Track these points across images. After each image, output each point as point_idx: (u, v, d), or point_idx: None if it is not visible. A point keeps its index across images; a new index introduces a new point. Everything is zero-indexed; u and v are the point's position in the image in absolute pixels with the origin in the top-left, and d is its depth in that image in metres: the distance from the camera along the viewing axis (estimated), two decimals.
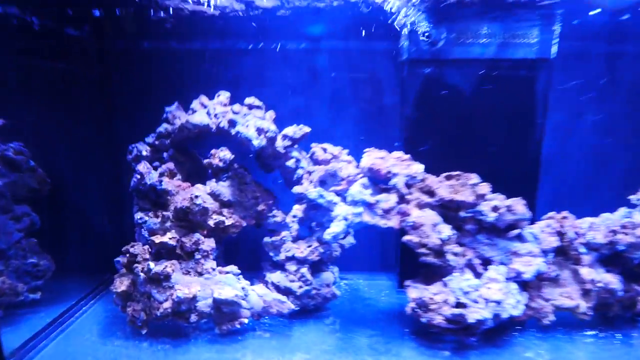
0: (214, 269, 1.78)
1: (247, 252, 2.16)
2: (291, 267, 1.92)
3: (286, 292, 1.90)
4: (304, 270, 1.91)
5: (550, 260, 1.81)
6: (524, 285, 1.79)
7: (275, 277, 1.94)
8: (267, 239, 1.96)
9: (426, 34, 1.89)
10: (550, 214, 1.88)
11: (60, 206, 2.19)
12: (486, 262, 1.79)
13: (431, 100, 2.04)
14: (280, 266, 1.96)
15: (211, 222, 1.82)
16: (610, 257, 1.89)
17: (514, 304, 1.70)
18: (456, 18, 1.92)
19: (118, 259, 1.89)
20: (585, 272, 1.79)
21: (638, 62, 2.22)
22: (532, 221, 1.82)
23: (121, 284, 1.76)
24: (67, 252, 2.22)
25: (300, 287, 1.91)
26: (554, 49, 1.95)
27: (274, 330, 1.85)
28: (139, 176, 1.89)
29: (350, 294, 2.23)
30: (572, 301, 1.78)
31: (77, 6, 2.02)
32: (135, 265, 1.74)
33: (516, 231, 1.78)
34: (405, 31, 1.96)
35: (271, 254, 1.97)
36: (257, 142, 1.80)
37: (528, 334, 1.82)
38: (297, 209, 1.96)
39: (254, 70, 2.22)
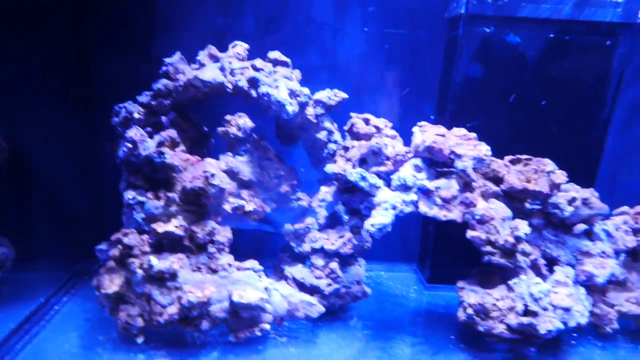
0: (230, 265, 1.43)
1: (247, 239, 1.81)
2: (318, 261, 1.60)
3: (312, 290, 1.59)
4: (334, 265, 1.59)
5: (621, 262, 1.58)
6: (589, 289, 1.56)
7: (298, 272, 1.61)
8: (288, 227, 1.62)
9: None
10: (623, 208, 1.64)
11: (22, 179, 1.74)
12: (551, 262, 1.54)
13: (489, 67, 1.72)
14: (301, 259, 1.64)
15: (228, 207, 1.45)
16: None
17: (583, 311, 1.47)
18: None
19: (102, 247, 1.50)
20: None
21: None
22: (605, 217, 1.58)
23: (112, 283, 1.38)
24: (31, 235, 1.79)
25: (329, 284, 1.59)
26: None
27: (298, 337, 1.54)
28: (130, 145, 1.47)
29: (374, 289, 1.94)
30: (639, 308, 1.58)
31: None
32: (131, 260, 1.36)
33: (585, 226, 1.53)
34: None
35: (292, 244, 1.63)
36: (292, 108, 1.42)
37: (588, 342, 1.61)
38: (326, 192, 1.62)
39: (269, 19, 1.80)
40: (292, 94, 1.46)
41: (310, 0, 1.87)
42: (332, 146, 1.62)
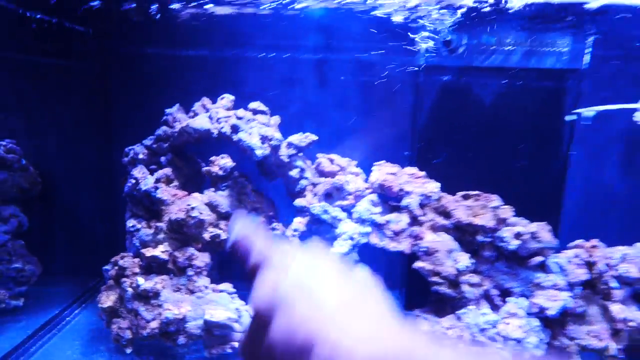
0: (207, 287, 1.64)
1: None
2: None
3: None
4: None
5: (578, 295, 1.63)
6: (546, 321, 1.61)
7: None
8: None
9: (447, 40, 1.74)
10: (578, 241, 1.70)
11: (51, 207, 2.09)
12: (505, 293, 1.63)
13: (448, 110, 1.88)
14: None
15: (207, 235, 1.68)
16: None
17: (536, 343, 1.53)
18: (479, 25, 1.77)
19: (107, 267, 1.77)
20: (617, 310, 1.61)
21: None
22: (557, 250, 1.65)
23: (107, 299, 1.64)
24: (55, 254, 2.11)
25: None
26: (586, 59, 1.78)
27: None
28: (133, 180, 1.77)
29: None
30: (600, 342, 1.60)
31: (79, 2, 1.91)
32: (124, 279, 1.62)
33: (539, 259, 1.61)
34: (421, 35, 1.80)
35: None
36: (261, 151, 1.66)
37: None
38: (299, 222, 1.82)
39: (257, 75, 2.08)
40: (265, 138, 1.70)
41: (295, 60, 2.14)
42: (303, 182, 1.82)
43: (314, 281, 0.42)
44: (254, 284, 0.44)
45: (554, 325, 1.64)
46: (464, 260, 1.48)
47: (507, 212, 1.58)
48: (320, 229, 1.79)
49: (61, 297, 1.97)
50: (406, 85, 2.08)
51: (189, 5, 1.84)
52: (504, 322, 1.53)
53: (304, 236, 1.84)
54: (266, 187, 1.93)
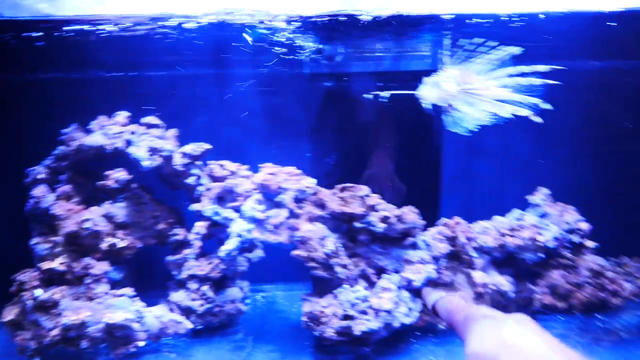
0: (106, 293, 1.75)
1: (162, 273, 2.14)
2: (193, 285, 1.91)
3: (187, 311, 1.89)
4: (205, 288, 1.90)
5: (444, 266, 1.85)
6: (418, 292, 1.82)
7: (178, 296, 1.92)
8: (169, 258, 1.94)
9: (318, 51, 1.93)
10: (444, 220, 1.92)
11: None
12: (381, 271, 1.82)
13: (332, 113, 2.08)
14: (183, 285, 1.95)
15: (104, 245, 1.80)
16: (505, 259, 1.95)
17: (406, 312, 1.73)
18: (350, 34, 1.97)
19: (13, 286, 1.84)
20: (477, 276, 1.84)
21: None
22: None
23: (9, 313, 1.72)
24: None
25: (202, 305, 1.89)
26: (446, 60, 2.01)
27: (174, 351, 1.83)
28: (34, 200, 1.86)
29: (265, 307, 2.23)
30: None
31: None
32: (23, 292, 1.70)
33: (410, 238, 1.82)
34: (301, 46, 2.00)
35: (174, 272, 1.95)
36: (148, 163, 1.79)
37: (426, 340, 1.85)
38: (200, 226, 1.96)
39: (158, 92, 2.21)
40: (155, 150, 1.83)
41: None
42: (200, 188, 1.96)
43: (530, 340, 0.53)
44: (468, 332, 0.56)
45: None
46: (330, 244, 1.66)
47: (374, 199, 1.78)
48: (217, 230, 1.94)
49: None
50: (299, 93, 2.26)
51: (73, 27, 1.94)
52: (378, 297, 1.72)
53: (206, 238, 1.99)
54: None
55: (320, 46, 1.95)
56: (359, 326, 1.63)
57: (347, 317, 1.66)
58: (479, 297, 1.84)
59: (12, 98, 2.22)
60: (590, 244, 2.05)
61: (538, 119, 1.42)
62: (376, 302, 1.70)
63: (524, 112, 1.40)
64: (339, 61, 2.01)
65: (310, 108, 2.09)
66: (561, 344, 0.55)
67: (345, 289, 1.70)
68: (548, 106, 1.39)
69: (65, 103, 2.17)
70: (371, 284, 1.78)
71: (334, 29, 1.88)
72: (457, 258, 1.90)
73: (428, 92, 1.43)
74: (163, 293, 1.99)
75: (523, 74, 1.38)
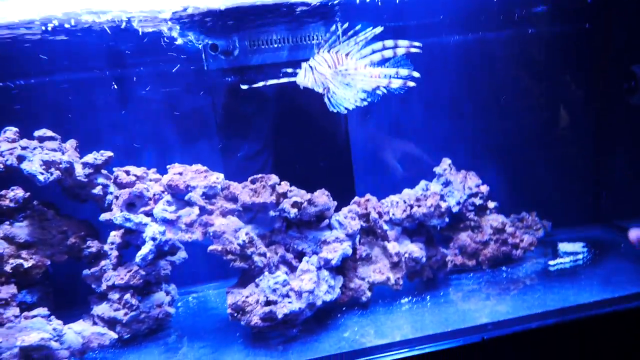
0: (17, 316, 1.68)
1: (84, 289, 2.07)
2: (114, 295, 1.87)
3: (112, 322, 1.86)
4: (127, 296, 1.87)
5: (360, 242, 1.95)
6: (339, 270, 1.91)
7: (100, 309, 1.88)
8: (86, 272, 1.89)
9: (213, 45, 1.92)
10: (355, 198, 2.02)
11: None
12: (301, 255, 1.89)
13: (238, 107, 2.09)
14: (104, 297, 1.90)
15: (8, 268, 1.71)
16: (415, 228, 2.09)
17: (327, 289, 1.82)
18: (245, 28, 1.98)
19: None
20: (390, 247, 1.96)
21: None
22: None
23: None
24: None
25: (126, 314, 1.87)
26: None
27: None
28: None
29: (197, 307, 2.23)
30: (382, 275, 1.94)
31: None
32: None
33: (325, 221, 1.90)
34: (192, 43, 1.98)
35: (94, 286, 1.90)
36: (43, 177, 1.71)
37: (351, 313, 1.95)
38: (115, 235, 1.91)
39: (54, 101, 2.10)
40: (50, 163, 1.75)
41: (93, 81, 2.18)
42: (109, 197, 1.92)
43: None
44: None
45: (346, 271, 1.95)
46: (242, 235, 1.70)
47: (284, 187, 1.83)
48: (134, 237, 1.91)
49: None
50: (204, 90, 2.24)
51: None
52: (299, 279, 1.79)
53: (123, 247, 1.95)
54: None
55: (211, 42, 1.94)
56: (282, 309, 1.69)
57: (269, 302, 1.71)
58: (394, 266, 1.96)
59: None
60: (491, 204, 2.24)
61: (412, 84, 1.52)
62: (297, 284, 1.77)
63: (396, 83, 1.50)
64: (237, 55, 2.02)
65: (215, 104, 2.09)
66: None
67: (265, 276, 1.74)
68: (416, 74, 1.49)
69: None
70: (293, 269, 1.84)
71: (228, 22, 1.88)
72: (371, 233, 2.00)
73: (303, 78, 1.49)
74: (84, 309, 1.94)
75: (387, 48, 1.47)
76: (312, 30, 2.01)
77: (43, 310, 1.73)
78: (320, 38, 2.00)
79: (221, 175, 1.81)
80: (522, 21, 2.32)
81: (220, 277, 2.47)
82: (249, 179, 1.90)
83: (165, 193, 1.84)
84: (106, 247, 1.92)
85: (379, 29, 1.47)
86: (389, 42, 1.50)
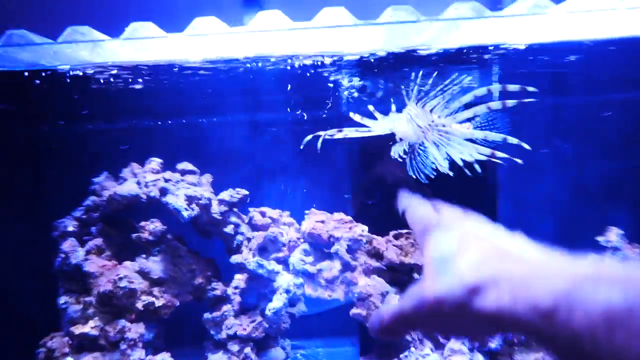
0: (142, 359, 1.57)
1: (196, 330, 1.95)
2: (233, 347, 1.71)
3: None
4: (248, 350, 1.70)
5: None
6: (492, 354, 1.60)
7: (218, 359, 1.73)
8: (207, 315, 1.76)
9: (362, 86, 1.81)
10: None
11: None
12: None
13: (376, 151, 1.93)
14: (222, 345, 1.76)
15: (140, 305, 1.63)
16: None
17: None
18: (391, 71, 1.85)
19: (40, 349, 1.68)
20: None
21: None
22: None
23: None
24: None
25: None
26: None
27: None
28: (63, 255, 1.72)
29: None
30: None
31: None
32: None
33: None
34: (341, 85, 1.88)
35: (212, 332, 1.77)
36: (187, 213, 1.65)
37: None
38: (239, 279, 1.79)
39: (190, 142, 2.11)
40: (192, 199, 1.69)
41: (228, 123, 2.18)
42: (239, 237, 1.81)
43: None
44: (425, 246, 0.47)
45: (501, 356, 1.62)
46: (396, 301, 1.46)
47: None
48: (260, 284, 1.76)
49: None
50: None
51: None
52: None
53: (245, 292, 1.81)
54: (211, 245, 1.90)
55: (361, 82, 1.83)
56: None
57: None
58: None
59: (41, 148, 2.15)
60: None
61: (519, 161, 1.20)
62: None
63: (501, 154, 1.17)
64: (379, 98, 1.88)
65: (351, 149, 1.94)
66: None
67: (412, 353, 1.48)
68: (513, 140, 1.16)
69: (96, 153, 2.08)
70: (438, 346, 1.56)
71: (373, 66, 1.76)
72: None
73: (405, 127, 1.19)
74: (195, 352, 1.80)
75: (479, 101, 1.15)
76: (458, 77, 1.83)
77: (167, 357, 1.62)
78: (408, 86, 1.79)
79: (366, 228, 1.62)
80: None
81: (330, 334, 2.24)
82: (391, 233, 1.69)
83: (302, 240, 1.69)
84: (229, 291, 1.79)
85: (467, 79, 1.18)
86: (495, 87, 1.14)
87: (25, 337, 2.06)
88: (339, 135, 1.15)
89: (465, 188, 1.93)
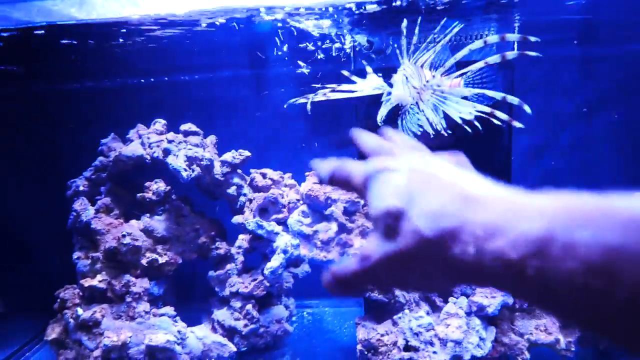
0: (147, 312, 1.65)
1: (203, 288, 2.03)
2: (236, 303, 1.77)
3: (231, 331, 1.75)
4: (249, 307, 1.75)
5: None
6: (491, 319, 1.57)
7: (221, 314, 1.79)
8: (211, 273, 1.82)
9: (369, 42, 1.72)
10: None
11: (4, 246, 2.13)
12: (447, 293, 1.59)
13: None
14: (226, 302, 1.81)
15: (144, 261, 1.70)
16: None
17: (477, 342, 1.49)
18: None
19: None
20: None
21: None
22: None
23: (52, 331, 1.66)
24: (13, 293, 2.15)
25: (246, 325, 1.75)
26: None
27: None
28: (75, 213, 1.80)
29: (312, 326, 2.06)
30: (549, 336, 1.55)
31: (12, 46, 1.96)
32: (65, 310, 1.64)
33: None
34: (345, 40, 1.79)
35: (217, 289, 1.82)
36: (187, 173, 1.66)
37: None
38: (243, 239, 1.81)
39: (196, 98, 2.10)
40: (193, 160, 1.70)
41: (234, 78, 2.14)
42: (242, 199, 1.82)
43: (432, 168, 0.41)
44: (368, 196, 0.42)
45: (499, 321, 1.59)
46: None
47: None
48: (261, 244, 1.79)
49: (21, 334, 2.01)
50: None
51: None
52: (444, 324, 1.49)
53: (249, 252, 1.84)
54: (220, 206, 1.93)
55: (368, 38, 1.73)
56: (424, 359, 1.41)
57: (409, 347, 1.44)
58: (565, 326, 1.55)
59: (48, 107, 2.20)
60: None
61: (519, 124, 1.11)
62: (441, 330, 1.47)
63: (502, 115, 1.07)
64: (389, 55, 1.78)
65: (358, 109, 1.88)
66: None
67: (406, 315, 1.48)
68: (515, 100, 1.05)
69: (100, 111, 2.11)
70: (435, 309, 1.55)
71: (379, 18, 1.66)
72: None
73: (402, 90, 1.11)
74: (203, 307, 1.87)
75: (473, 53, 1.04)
76: (481, 29, 1.70)
77: (170, 310, 1.69)
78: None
79: None
80: None
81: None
82: None
83: (301, 202, 1.68)
84: (233, 251, 1.83)
85: (457, 27, 1.06)
86: (493, 38, 1.02)
87: (48, 290, 2.20)
88: (322, 98, 1.11)
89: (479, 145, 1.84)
